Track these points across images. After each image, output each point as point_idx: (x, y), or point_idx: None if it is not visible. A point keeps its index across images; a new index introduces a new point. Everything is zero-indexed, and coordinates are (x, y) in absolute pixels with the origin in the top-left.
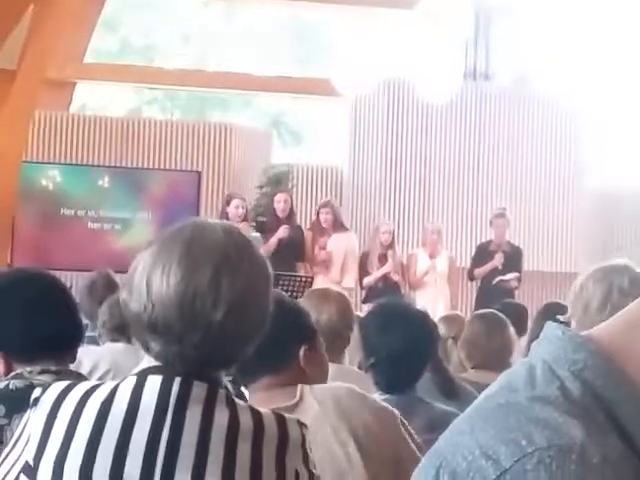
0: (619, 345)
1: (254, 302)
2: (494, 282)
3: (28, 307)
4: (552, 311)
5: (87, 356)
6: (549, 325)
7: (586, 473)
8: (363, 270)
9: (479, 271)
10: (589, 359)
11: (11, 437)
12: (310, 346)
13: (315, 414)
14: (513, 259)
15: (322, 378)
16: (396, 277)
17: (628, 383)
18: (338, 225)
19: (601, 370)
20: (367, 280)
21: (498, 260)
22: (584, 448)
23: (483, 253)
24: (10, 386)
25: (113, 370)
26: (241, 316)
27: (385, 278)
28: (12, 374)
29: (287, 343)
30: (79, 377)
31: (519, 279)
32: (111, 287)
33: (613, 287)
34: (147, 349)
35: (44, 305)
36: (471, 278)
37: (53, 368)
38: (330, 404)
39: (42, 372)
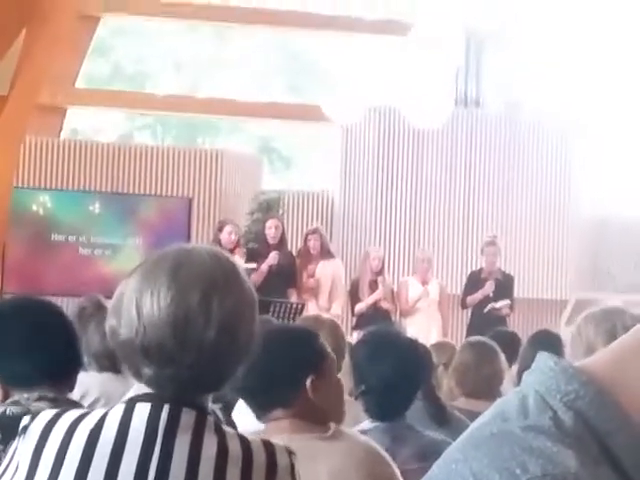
0: (611, 376)
1: (243, 322)
2: (486, 310)
3: (29, 334)
4: (542, 339)
5: (77, 384)
6: (541, 355)
7: None
8: (354, 297)
9: (471, 299)
10: (581, 390)
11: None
12: (318, 374)
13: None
14: (505, 286)
15: (336, 404)
16: (386, 305)
17: (620, 414)
18: (325, 252)
19: (593, 401)
20: (359, 307)
21: (489, 288)
22: (578, 478)
23: (475, 281)
24: (7, 412)
25: (103, 398)
26: (232, 335)
27: (375, 305)
28: (9, 400)
29: (293, 375)
30: (75, 405)
31: (511, 307)
32: (101, 313)
33: (617, 328)
34: (138, 375)
35: (45, 333)
36: (463, 306)
37: (50, 395)
38: (357, 458)
39: (39, 399)
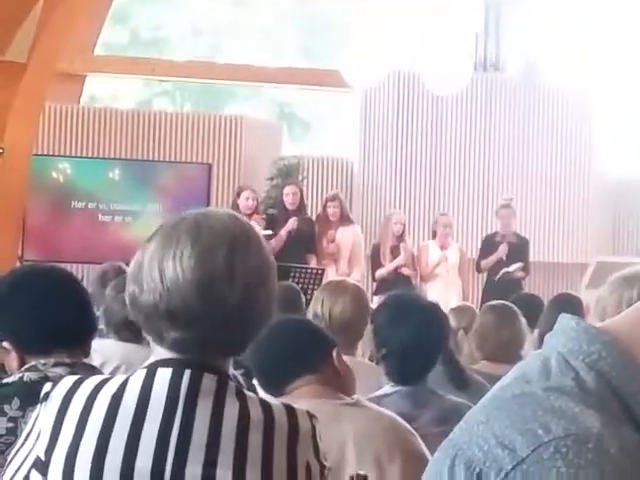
0: (634, 337)
1: (265, 283)
2: (499, 275)
3: (41, 300)
4: (563, 302)
5: (98, 350)
6: (563, 317)
7: (603, 462)
8: (375, 262)
9: (485, 263)
10: (603, 350)
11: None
12: (338, 352)
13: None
14: (519, 249)
15: (352, 383)
16: (407, 271)
17: None
18: (345, 218)
19: (616, 361)
20: (380, 272)
21: (502, 251)
22: (601, 437)
23: (489, 245)
24: (24, 378)
25: (124, 365)
26: (255, 294)
27: (396, 270)
28: (26, 366)
29: (321, 344)
30: (93, 370)
31: (525, 269)
32: (121, 279)
33: (622, 299)
34: (161, 340)
35: (57, 298)
36: (478, 270)
37: (67, 360)
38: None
39: (56, 364)
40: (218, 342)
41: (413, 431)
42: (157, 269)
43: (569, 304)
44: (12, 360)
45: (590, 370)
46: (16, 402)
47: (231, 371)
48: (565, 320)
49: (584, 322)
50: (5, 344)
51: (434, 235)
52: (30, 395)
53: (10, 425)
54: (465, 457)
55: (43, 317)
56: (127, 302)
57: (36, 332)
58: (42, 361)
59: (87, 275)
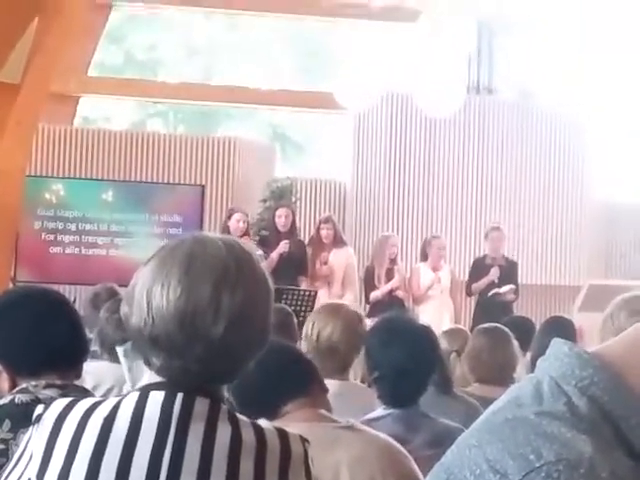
0: (625, 362)
1: (255, 315)
2: (489, 294)
3: (32, 322)
4: (555, 325)
5: (91, 372)
6: (556, 341)
7: None
8: (369, 284)
9: (476, 286)
10: (595, 375)
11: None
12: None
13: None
14: (509, 272)
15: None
16: (401, 293)
17: (635, 399)
18: (338, 240)
19: (608, 386)
20: (374, 295)
21: (494, 274)
22: (592, 462)
23: (479, 267)
24: (15, 400)
25: (117, 387)
26: (242, 330)
27: (390, 293)
28: (17, 388)
29: (307, 366)
30: (84, 392)
31: (515, 292)
32: (114, 302)
33: None
34: (149, 363)
35: (49, 321)
36: (468, 293)
37: (58, 382)
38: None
39: (47, 386)
40: (203, 372)
41: (407, 454)
42: (145, 295)
43: (562, 327)
44: (3, 381)
45: (582, 395)
46: (7, 424)
47: (224, 394)
48: (558, 345)
49: (577, 347)
50: None
51: (426, 257)
52: (21, 417)
53: (1, 447)
54: None
55: (33, 340)
56: (122, 319)
57: (26, 354)
58: (33, 383)
59: (79, 296)
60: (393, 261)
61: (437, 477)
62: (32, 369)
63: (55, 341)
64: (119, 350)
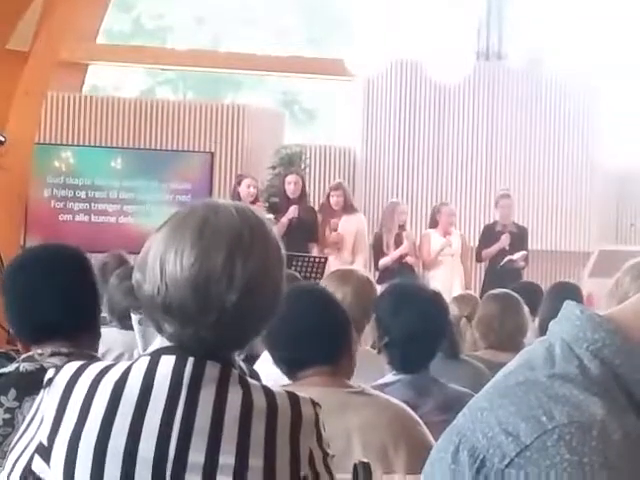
0: (638, 325)
1: (268, 283)
2: (503, 262)
3: (31, 290)
4: (562, 290)
5: (100, 339)
6: (568, 304)
7: (607, 449)
8: (378, 251)
9: (487, 252)
10: (607, 338)
11: (22, 420)
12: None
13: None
14: (519, 239)
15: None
16: (411, 259)
17: None
18: (348, 207)
19: (620, 349)
20: (383, 261)
21: (505, 241)
22: (605, 425)
23: (490, 234)
24: (20, 369)
25: (127, 353)
26: (255, 297)
27: (400, 259)
28: (23, 356)
29: (343, 333)
30: (91, 358)
31: (526, 259)
32: (123, 269)
33: None
34: (160, 330)
35: (47, 287)
36: (479, 260)
37: (65, 350)
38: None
39: (53, 354)
40: (215, 339)
41: (419, 420)
42: (159, 262)
43: (568, 292)
44: (19, 345)
45: (594, 358)
46: (12, 393)
47: (235, 358)
48: (570, 307)
49: (588, 310)
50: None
51: (435, 224)
52: (26, 385)
53: (7, 416)
54: (469, 444)
55: (31, 308)
56: (134, 287)
57: (27, 322)
58: (39, 351)
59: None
60: (402, 227)
61: (449, 440)
62: (33, 337)
63: (52, 310)
64: (134, 317)
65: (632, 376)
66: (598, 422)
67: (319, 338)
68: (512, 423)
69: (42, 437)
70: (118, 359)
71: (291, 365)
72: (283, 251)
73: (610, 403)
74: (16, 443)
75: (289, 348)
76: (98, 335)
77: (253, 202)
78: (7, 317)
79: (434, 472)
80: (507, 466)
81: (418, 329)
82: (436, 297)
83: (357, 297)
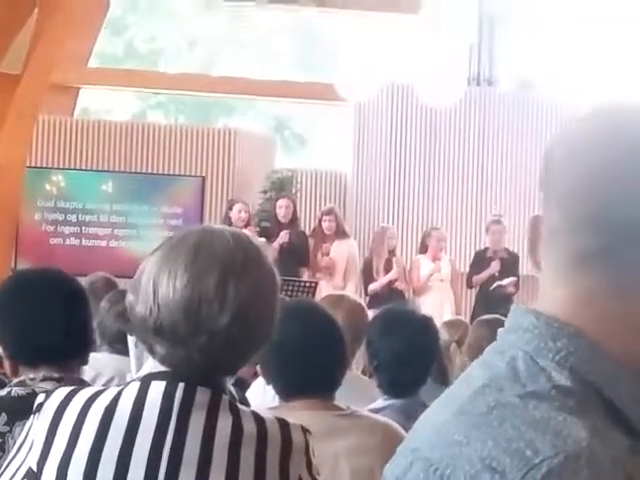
0: (601, 326)
1: (260, 308)
2: (492, 288)
3: (28, 314)
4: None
5: (90, 363)
6: (516, 309)
7: (598, 475)
8: (367, 276)
9: (477, 278)
10: (571, 345)
11: (13, 445)
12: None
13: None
14: (511, 265)
15: None
16: (401, 285)
17: (615, 364)
18: (340, 232)
19: (586, 355)
20: (373, 286)
21: (495, 267)
22: (592, 450)
23: (480, 260)
24: (12, 393)
25: (117, 377)
26: (247, 322)
27: (389, 285)
28: (15, 381)
29: (340, 368)
30: (82, 384)
31: (516, 284)
32: (111, 289)
33: None
34: (152, 352)
35: (44, 312)
36: (469, 286)
37: (56, 375)
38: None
39: (44, 379)
40: (206, 363)
41: None
42: (152, 284)
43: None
44: (8, 367)
45: (562, 369)
46: (3, 417)
47: (226, 384)
48: (521, 313)
49: (543, 314)
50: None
51: (425, 249)
52: (18, 410)
53: None
54: None
55: (28, 333)
56: (127, 308)
57: (23, 346)
58: (31, 375)
59: None
60: (392, 252)
61: (418, 467)
62: (28, 361)
63: (53, 331)
64: (130, 339)
65: (602, 381)
66: (585, 449)
67: (316, 367)
68: (495, 458)
69: (31, 462)
70: (108, 384)
71: (287, 392)
72: (277, 277)
73: (590, 420)
74: (5, 468)
75: (289, 379)
76: (86, 361)
77: (244, 226)
78: (1, 338)
79: None
80: None
81: (408, 353)
82: (427, 322)
83: (349, 322)
